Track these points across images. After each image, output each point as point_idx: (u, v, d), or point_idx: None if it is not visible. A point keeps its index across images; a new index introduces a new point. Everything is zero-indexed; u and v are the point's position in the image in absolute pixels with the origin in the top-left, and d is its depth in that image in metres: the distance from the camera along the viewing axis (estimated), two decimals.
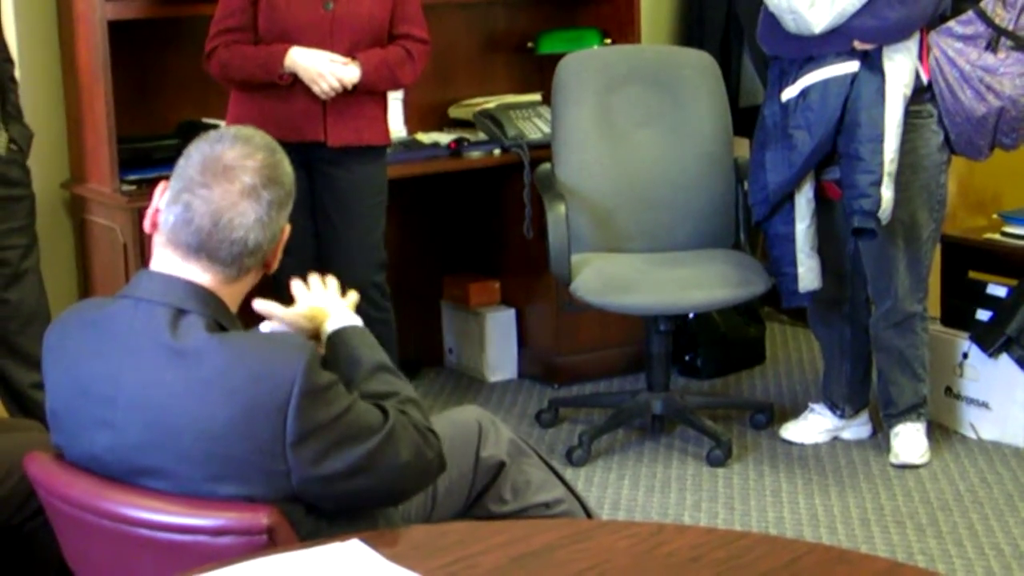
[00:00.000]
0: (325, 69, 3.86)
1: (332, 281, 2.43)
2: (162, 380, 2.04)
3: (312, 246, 4.05)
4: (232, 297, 2.16)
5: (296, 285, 2.40)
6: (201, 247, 2.11)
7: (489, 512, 2.49)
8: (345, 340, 2.31)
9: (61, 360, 2.16)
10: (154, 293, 2.10)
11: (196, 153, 2.14)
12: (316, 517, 2.08)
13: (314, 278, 2.43)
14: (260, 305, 2.33)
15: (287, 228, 2.19)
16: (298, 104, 3.92)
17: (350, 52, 3.92)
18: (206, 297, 2.10)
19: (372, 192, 4.09)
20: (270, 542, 1.95)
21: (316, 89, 3.87)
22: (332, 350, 2.30)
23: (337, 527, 2.08)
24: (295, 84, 3.90)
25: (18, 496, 2.46)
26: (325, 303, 2.38)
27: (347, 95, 3.91)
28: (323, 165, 4.00)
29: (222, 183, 2.10)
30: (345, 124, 3.96)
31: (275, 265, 2.21)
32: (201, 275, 2.12)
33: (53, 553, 2.27)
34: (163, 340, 2.05)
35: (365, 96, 3.97)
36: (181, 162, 2.16)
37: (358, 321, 2.36)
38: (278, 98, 3.92)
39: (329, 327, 2.34)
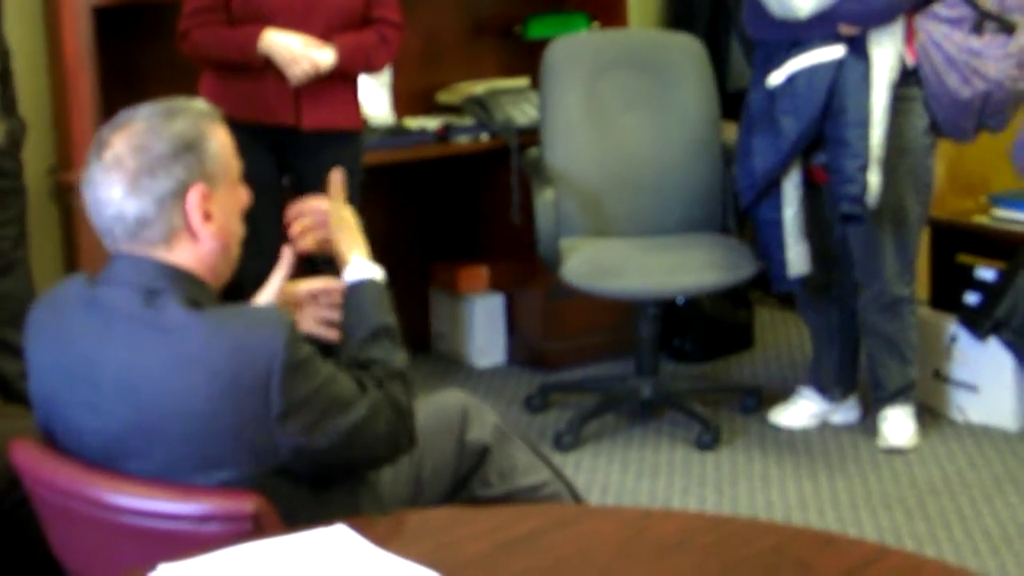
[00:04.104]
0: (300, 53, 3.82)
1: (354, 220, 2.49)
2: (143, 361, 2.02)
3: (276, 231, 4.04)
4: (199, 263, 2.11)
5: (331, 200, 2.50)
6: (103, 233, 2.10)
7: (476, 496, 2.48)
8: (359, 295, 2.35)
9: (46, 341, 2.15)
10: (127, 276, 2.08)
11: None
12: (299, 491, 2.08)
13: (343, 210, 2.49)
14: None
15: (197, 186, 2.07)
16: (271, 87, 3.88)
17: (324, 35, 3.88)
18: (176, 274, 2.09)
19: (349, 175, 4.07)
20: (255, 528, 1.94)
21: (289, 72, 3.83)
22: (345, 300, 2.35)
23: (320, 504, 2.10)
24: (268, 66, 3.85)
25: (2, 483, 2.45)
26: (348, 246, 2.43)
27: (320, 79, 3.87)
28: (298, 149, 3.98)
29: (93, 162, 2.09)
30: (318, 108, 3.93)
31: (201, 227, 2.09)
32: (146, 252, 2.09)
33: (38, 541, 2.26)
34: (142, 321, 2.04)
35: (338, 80, 3.94)
36: None
37: (377, 274, 2.39)
38: (250, 80, 3.88)
39: (347, 277, 2.39)
